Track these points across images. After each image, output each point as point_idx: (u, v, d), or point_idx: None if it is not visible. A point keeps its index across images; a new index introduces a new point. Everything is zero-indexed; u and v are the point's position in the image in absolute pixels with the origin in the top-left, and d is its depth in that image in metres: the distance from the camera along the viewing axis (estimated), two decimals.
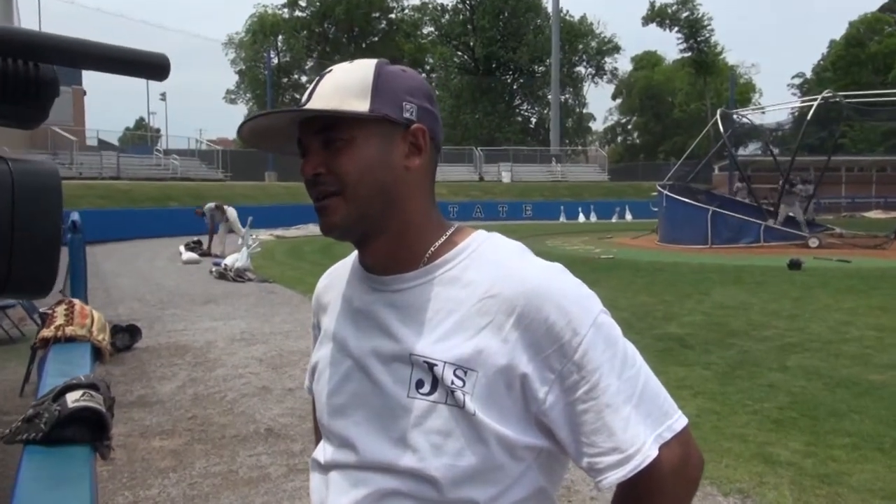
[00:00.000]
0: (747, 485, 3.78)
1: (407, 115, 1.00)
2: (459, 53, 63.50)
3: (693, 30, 59.00)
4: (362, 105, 0.97)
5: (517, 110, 65.80)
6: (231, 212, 17.79)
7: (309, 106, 0.99)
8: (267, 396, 5.61)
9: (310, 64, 60.84)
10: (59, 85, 0.79)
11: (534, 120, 67.50)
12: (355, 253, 1.11)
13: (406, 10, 63.69)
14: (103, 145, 38.75)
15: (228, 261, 13.34)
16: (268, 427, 4.88)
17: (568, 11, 62.40)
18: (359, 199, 0.98)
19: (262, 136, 1.04)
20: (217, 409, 5.30)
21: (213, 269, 13.63)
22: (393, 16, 63.20)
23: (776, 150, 25.83)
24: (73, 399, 2.09)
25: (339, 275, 1.15)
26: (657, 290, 10.94)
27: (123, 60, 0.80)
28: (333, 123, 0.98)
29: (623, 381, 0.95)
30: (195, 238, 18.26)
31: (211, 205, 17.99)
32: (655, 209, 23.37)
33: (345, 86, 0.99)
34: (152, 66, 0.82)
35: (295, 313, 9.38)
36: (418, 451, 0.96)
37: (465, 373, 0.95)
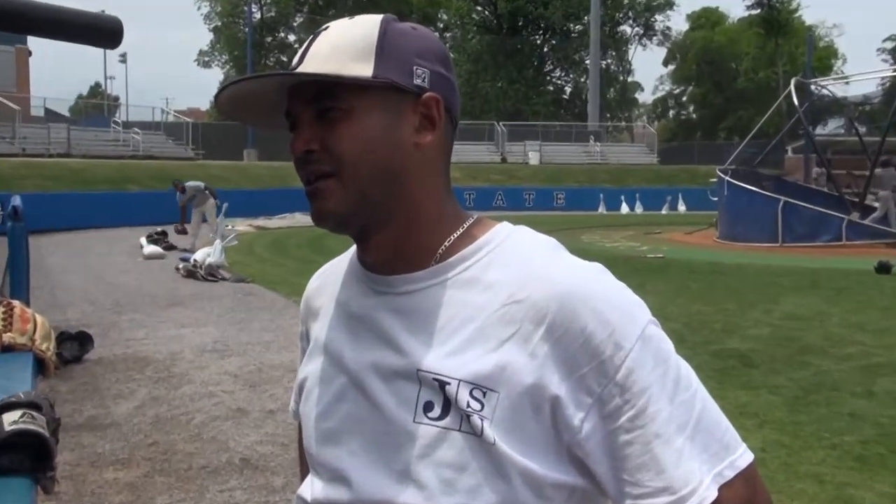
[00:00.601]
0: None
1: (418, 81, 1.00)
2: (479, 8, 63.46)
3: None
4: (364, 69, 0.97)
5: (548, 78, 65.71)
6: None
7: (300, 69, 0.99)
8: (243, 420, 5.63)
9: (299, 20, 61.02)
10: None
11: (568, 90, 67.44)
12: (352, 248, 1.11)
13: None
14: (51, 116, 39.09)
15: (199, 256, 13.39)
16: (243, 457, 4.90)
17: None
18: (358, 181, 0.98)
19: (243, 106, 1.04)
20: (182, 435, 5.32)
21: (181, 265, 13.70)
22: None
23: (862, 129, 25.64)
24: (10, 420, 2.11)
25: (334, 274, 1.15)
26: (716, 297, 10.91)
27: (63, 24, 0.78)
28: (329, 91, 0.97)
29: (676, 406, 0.93)
30: (159, 228, 18.33)
31: (199, 184, 17.62)
32: (715, 199, 23.27)
33: (344, 46, 0.99)
34: (100, 32, 0.80)
35: (277, 319, 9.41)
36: (425, 488, 0.95)
37: (484, 393, 0.94)
